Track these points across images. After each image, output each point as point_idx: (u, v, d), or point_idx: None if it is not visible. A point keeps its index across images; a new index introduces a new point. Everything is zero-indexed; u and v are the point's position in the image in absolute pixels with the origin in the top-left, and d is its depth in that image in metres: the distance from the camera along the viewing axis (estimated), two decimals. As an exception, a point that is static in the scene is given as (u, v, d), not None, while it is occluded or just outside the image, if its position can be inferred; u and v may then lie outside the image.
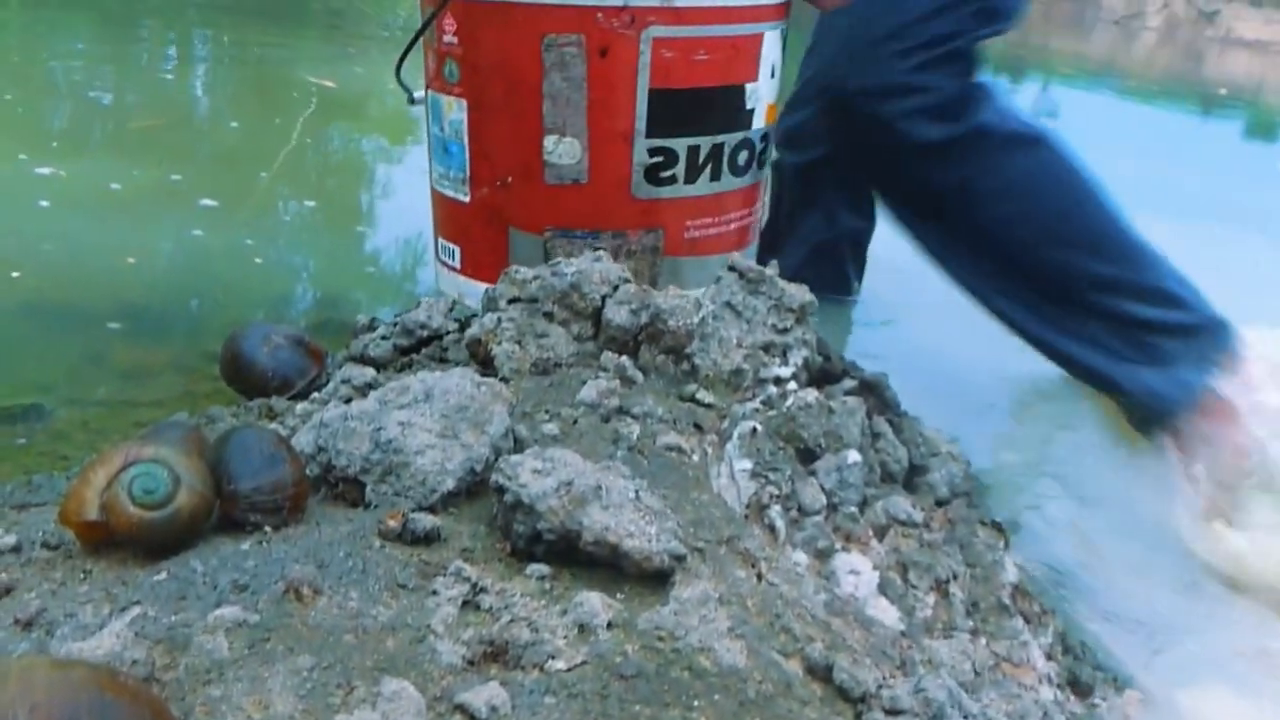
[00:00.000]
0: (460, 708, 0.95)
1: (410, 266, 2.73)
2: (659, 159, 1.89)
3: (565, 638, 1.06)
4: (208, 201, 2.81)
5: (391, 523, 1.16)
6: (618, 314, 1.59)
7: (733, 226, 2.08)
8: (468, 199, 2.01)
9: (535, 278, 1.65)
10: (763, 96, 1.98)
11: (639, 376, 1.54)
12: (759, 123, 2.00)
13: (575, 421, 1.42)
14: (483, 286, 1.99)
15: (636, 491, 1.17)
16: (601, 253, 1.69)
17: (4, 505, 1.37)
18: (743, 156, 2.00)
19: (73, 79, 4.14)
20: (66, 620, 1.01)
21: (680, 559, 1.13)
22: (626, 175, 1.90)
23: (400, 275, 2.70)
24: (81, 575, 1.10)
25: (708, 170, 1.95)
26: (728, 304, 1.61)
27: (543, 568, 1.15)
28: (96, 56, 4.67)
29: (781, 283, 1.65)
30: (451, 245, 2.11)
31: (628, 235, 1.94)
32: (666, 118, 1.87)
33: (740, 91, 1.93)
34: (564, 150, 1.88)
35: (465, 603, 1.08)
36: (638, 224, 1.96)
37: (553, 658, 1.03)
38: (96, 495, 1.11)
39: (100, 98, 3.93)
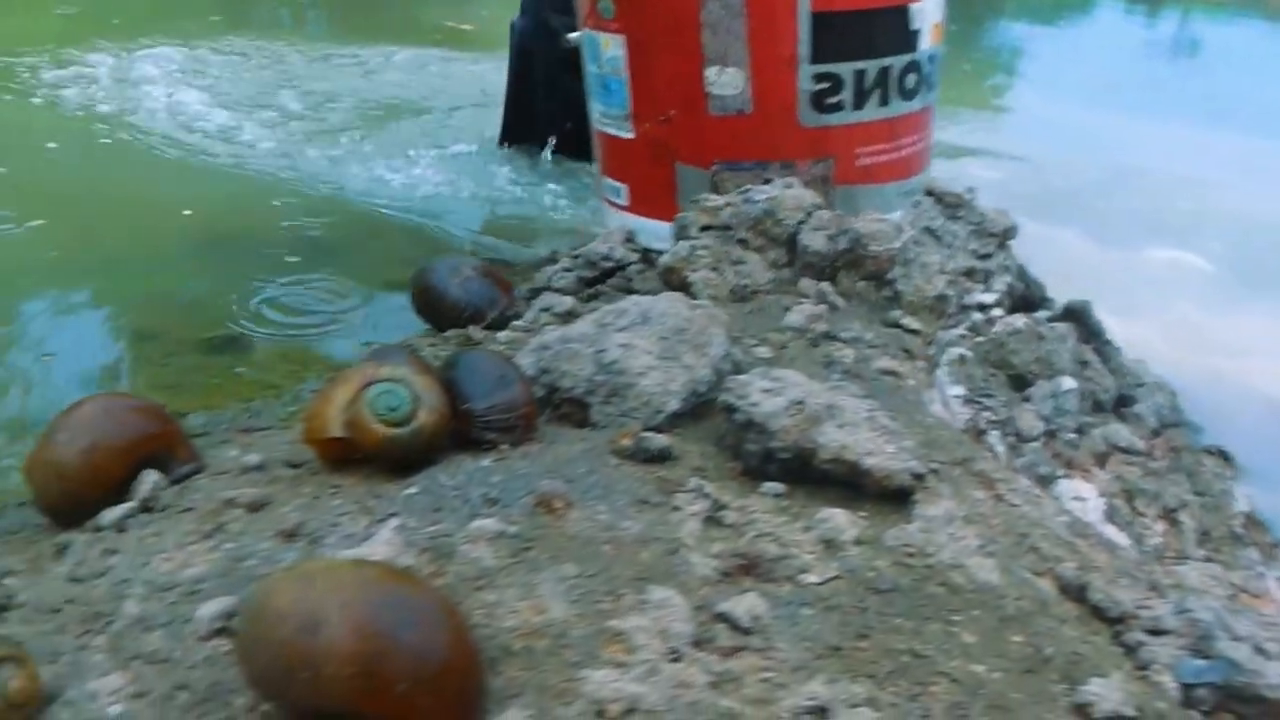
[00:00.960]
0: (722, 616, 0.95)
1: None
2: (825, 85, 1.84)
3: (812, 553, 1.05)
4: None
5: (625, 441, 1.16)
6: (814, 240, 1.57)
7: (904, 152, 2.03)
8: (631, 135, 1.99)
9: (727, 205, 1.64)
10: (929, 15, 1.91)
11: (840, 303, 1.52)
12: (926, 44, 1.93)
13: (784, 346, 1.41)
14: (652, 223, 1.98)
15: (870, 411, 1.15)
16: (792, 179, 1.66)
17: (231, 430, 1.41)
18: (911, 79, 1.94)
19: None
20: (331, 530, 1.03)
21: (920, 477, 1.12)
22: (792, 103, 1.86)
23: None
24: (331, 490, 1.12)
25: (876, 95, 1.90)
26: (928, 229, 1.58)
27: (777, 486, 1.14)
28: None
29: (981, 208, 1.61)
30: (618, 183, 2.10)
31: (797, 165, 1.91)
32: (830, 42, 1.81)
33: (905, 12, 1.87)
34: (726, 80, 1.85)
35: (708, 518, 1.08)
36: (807, 153, 1.92)
37: (804, 572, 1.02)
38: (340, 413, 1.13)
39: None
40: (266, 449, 1.25)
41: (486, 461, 1.13)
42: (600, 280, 1.81)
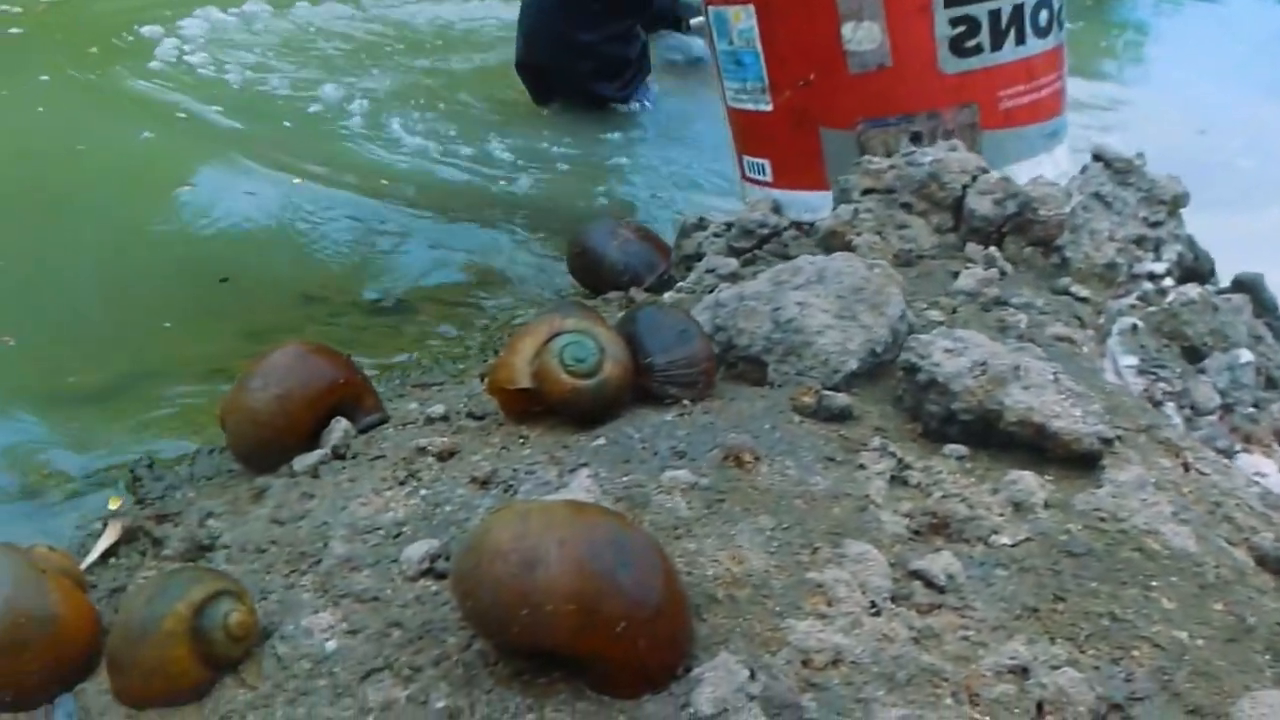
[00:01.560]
0: (917, 574, 0.95)
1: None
2: (961, 29, 1.79)
3: (1001, 514, 1.05)
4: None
5: (806, 399, 1.16)
6: (981, 204, 1.55)
7: (1044, 92, 1.96)
8: (770, 107, 1.97)
9: (891, 168, 1.62)
10: None
11: (1008, 268, 1.50)
12: None
13: (954, 310, 1.40)
14: (800, 195, 1.97)
15: (1055, 374, 1.14)
16: (956, 141, 1.64)
17: (407, 385, 1.44)
18: (1043, 16, 1.89)
19: None
20: (525, 478, 1.06)
21: (1108, 442, 1.10)
22: (931, 51, 1.81)
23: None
24: (519, 440, 1.14)
25: (1012, 34, 1.85)
26: (1096, 195, 1.55)
27: (959, 448, 1.14)
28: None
29: (1151, 174, 1.58)
30: (759, 160, 2.08)
31: (942, 115, 1.87)
32: None
33: None
34: (864, 35, 1.81)
35: (893, 478, 1.08)
36: (950, 101, 1.87)
37: (995, 533, 1.01)
38: (526, 364, 1.15)
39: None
40: (447, 401, 1.28)
41: (669, 416, 1.14)
42: (757, 247, 1.80)
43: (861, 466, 1.08)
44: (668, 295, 1.58)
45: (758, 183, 2.07)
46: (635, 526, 0.87)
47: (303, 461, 1.18)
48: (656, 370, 1.17)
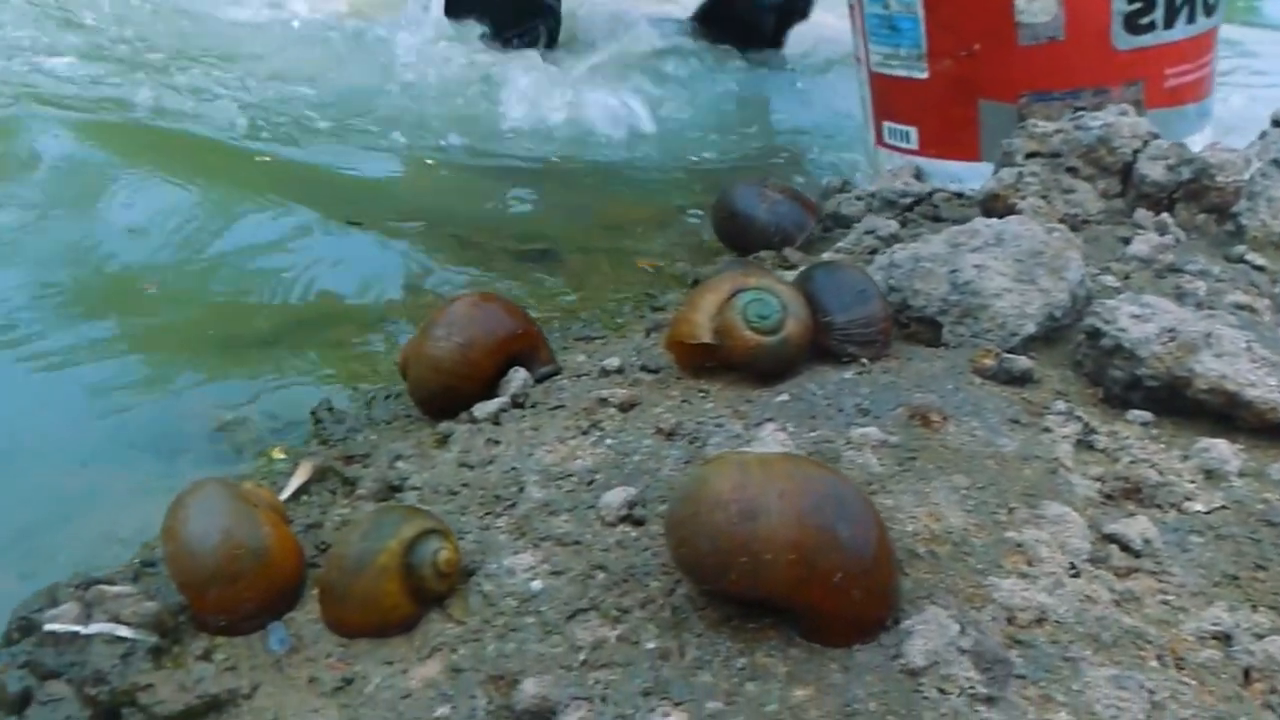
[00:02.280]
0: (1112, 538, 0.95)
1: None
2: (1138, 5, 1.76)
3: (1193, 481, 1.04)
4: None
5: (986, 362, 1.16)
6: (1153, 170, 1.53)
7: (1204, 71, 1.93)
8: (925, 75, 1.94)
9: (1058, 131, 1.60)
10: None
11: (1180, 235, 1.48)
12: None
13: (1128, 276, 1.38)
14: (947, 164, 1.95)
15: (1248, 342, 1.12)
16: (1127, 106, 1.61)
17: (569, 338, 1.47)
18: None
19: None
20: (713, 430, 1.07)
21: (1303, 412, 1.09)
22: (1106, 26, 1.79)
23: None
24: (700, 394, 1.15)
25: (1185, 12, 1.82)
26: (1275, 161, 1.52)
27: (1144, 414, 1.13)
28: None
29: (1332, 140, 1.53)
30: (904, 127, 2.05)
31: (1110, 91, 1.84)
32: None
33: None
34: (1038, 7, 1.78)
35: (1079, 441, 1.08)
36: (1120, 78, 1.84)
37: (1188, 500, 1.01)
38: (708, 320, 1.16)
39: None
40: (619, 354, 1.30)
41: (848, 374, 1.15)
42: (902, 214, 1.79)
43: (1047, 430, 1.08)
44: (825, 256, 1.58)
45: (898, 149, 2.05)
46: (851, 481, 0.88)
47: (484, 409, 1.21)
48: (835, 329, 1.17)
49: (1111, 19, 1.78)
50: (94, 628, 0.95)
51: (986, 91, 1.89)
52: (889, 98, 2.06)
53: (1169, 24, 1.81)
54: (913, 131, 2.02)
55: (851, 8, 2.03)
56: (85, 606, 0.98)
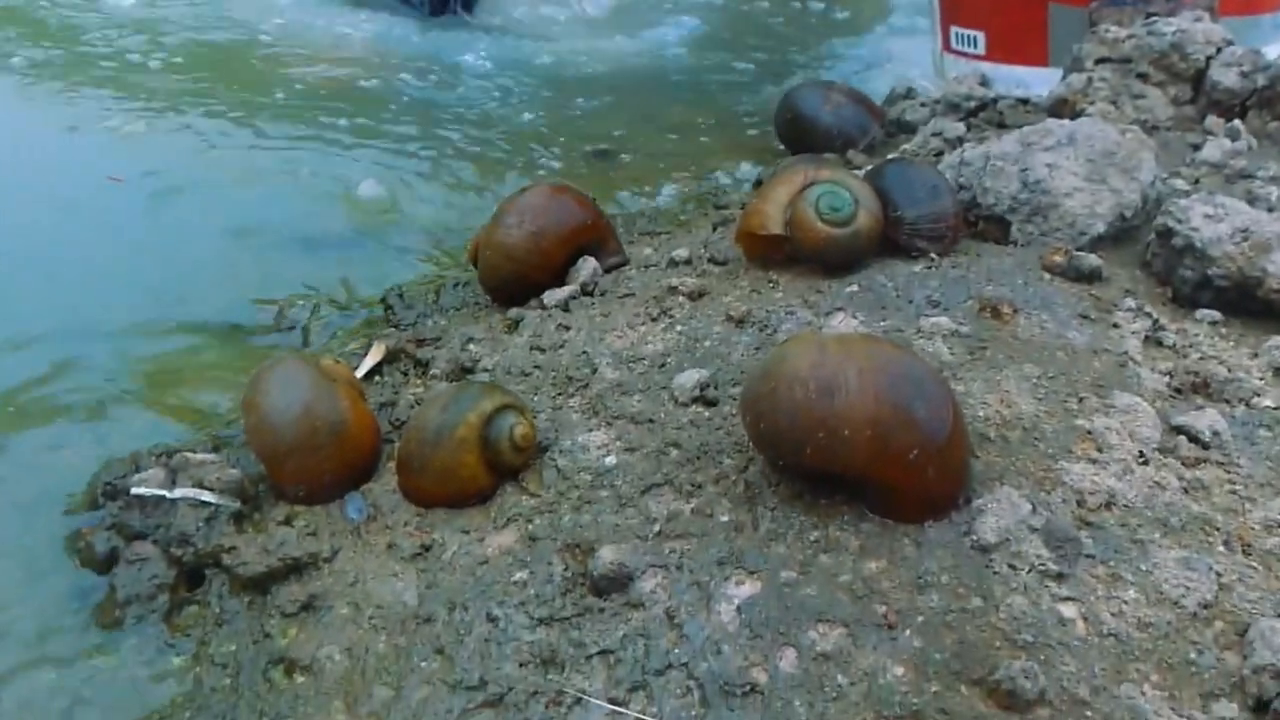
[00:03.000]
0: (1180, 429, 0.96)
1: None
2: None
3: (1261, 378, 1.04)
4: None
5: (1056, 258, 1.16)
6: (1226, 76, 1.51)
7: None
8: None
9: (1130, 37, 1.58)
10: None
11: (1252, 142, 1.46)
12: None
13: (1197, 180, 1.37)
14: (1013, 69, 1.93)
15: (1322, 243, 1.11)
16: (1201, 12, 1.59)
17: (634, 231, 1.48)
18: None
19: None
20: (785, 318, 1.08)
21: (1375, 314, 1.08)
22: None
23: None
24: (769, 283, 1.16)
25: None
26: (1351, 70, 1.49)
27: (1212, 313, 1.13)
28: None
29: None
30: (972, 31, 2.03)
31: None
32: None
33: None
34: None
35: (1147, 337, 1.08)
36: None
37: (1257, 395, 1.01)
38: (780, 212, 1.17)
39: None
40: (686, 246, 1.31)
41: (917, 267, 1.16)
42: (965, 119, 1.78)
43: (1116, 325, 1.08)
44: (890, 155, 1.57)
45: (965, 55, 2.03)
46: (928, 362, 0.89)
47: (553, 296, 1.22)
48: (906, 223, 1.18)
49: None
50: (179, 492, 0.98)
51: (1058, -6, 1.86)
52: (958, 2, 2.03)
53: None
54: (980, 36, 1.99)
55: None
56: (170, 472, 1.01)
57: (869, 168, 1.29)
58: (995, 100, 1.81)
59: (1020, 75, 1.90)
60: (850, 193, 1.15)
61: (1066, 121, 1.30)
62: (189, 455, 1.03)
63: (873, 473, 0.82)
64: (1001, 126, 1.74)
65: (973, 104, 1.81)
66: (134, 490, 0.99)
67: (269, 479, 1.01)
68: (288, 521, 0.96)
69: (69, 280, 1.39)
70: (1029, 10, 1.90)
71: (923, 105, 1.86)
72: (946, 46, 2.08)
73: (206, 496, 0.98)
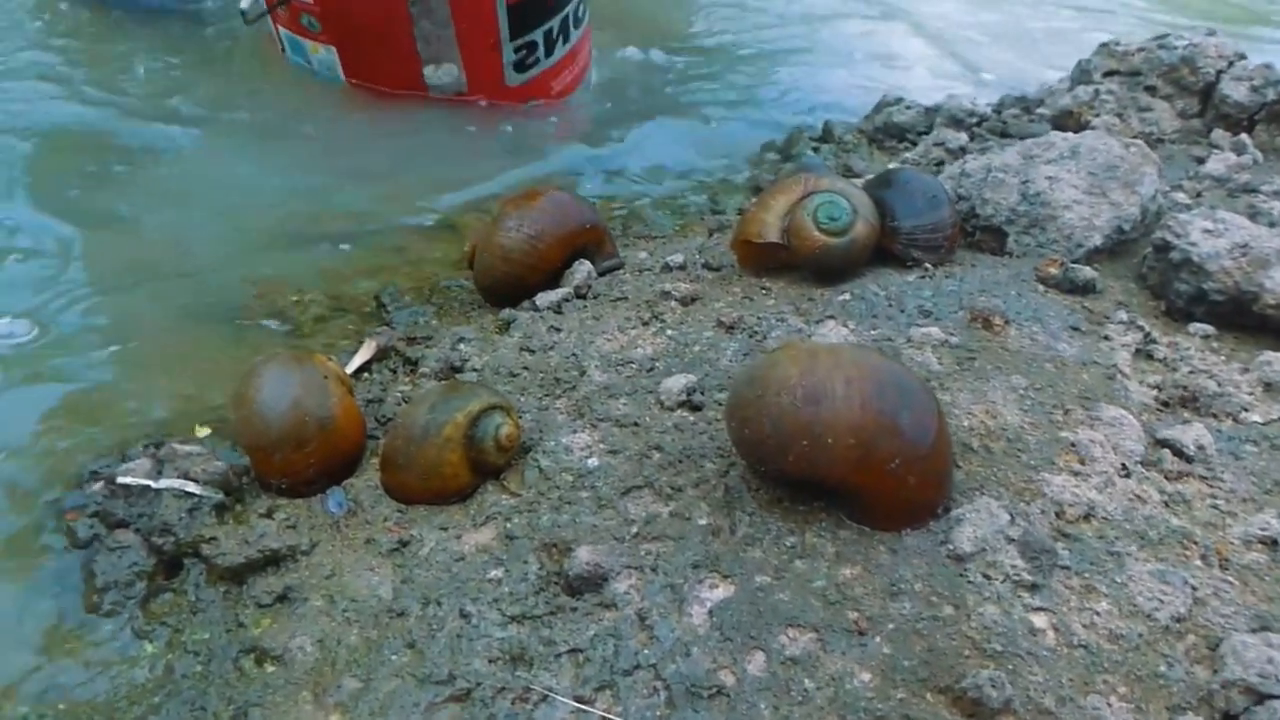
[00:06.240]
0: (1165, 443, 0.95)
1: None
2: (523, 53, 1.86)
3: (1251, 393, 1.03)
4: None
5: (1051, 270, 1.16)
6: (1236, 90, 1.50)
7: (579, 69, 2.04)
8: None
9: (1140, 50, 1.57)
10: None
11: (1258, 156, 1.45)
12: None
13: (1199, 194, 1.36)
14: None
15: (1319, 260, 1.11)
16: (1215, 27, 1.58)
17: (631, 235, 1.48)
18: (580, 8, 1.97)
19: None
20: (775, 325, 1.08)
21: (1371, 332, 1.08)
22: (499, 73, 1.88)
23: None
24: (762, 290, 1.16)
25: (560, 40, 1.93)
26: (1361, 87, 1.48)
27: (1205, 327, 1.12)
28: None
29: None
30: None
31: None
32: (524, 20, 1.83)
33: None
34: (442, 74, 1.84)
35: (1138, 350, 1.07)
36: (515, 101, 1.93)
37: (1245, 410, 1.00)
38: (778, 220, 1.16)
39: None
40: (681, 251, 1.31)
41: (911, 277, 1.15)
42: (969, 130, 1.77)
43: (1107, 338, 1.08)
44: (893, 166, 1.57)
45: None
46: (914, 372, 0.89)
47: (546, 298, 1.22)
48: (903, 233, 1.18)
49: (504, 68, 1.87)
50: (164, 483, 0.99)
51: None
52: None
53: (549, 54, 1.92)
54: None
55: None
56: (157, 463, 1.01)
57: (869, 177, 1.28)
58: (999, 111, 1.81)
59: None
60: (849, 202, 1.14)
61: (1071, 135, 1.30)
62: (176, 446, 1.03)
63: (855, 480, 0.82)
64: (1005, 135, 1.74)
65: (975, 118, 1.81)
66: (120, 479, 0.99)
67: (254, 471, 1.01)
68: (269, 514, 0.96)
69: (60, 262, 1.39)
70: None
71: (908, 108, 1.86)
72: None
73: (191, 488, 0.98)
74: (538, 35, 1.87)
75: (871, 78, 2.28)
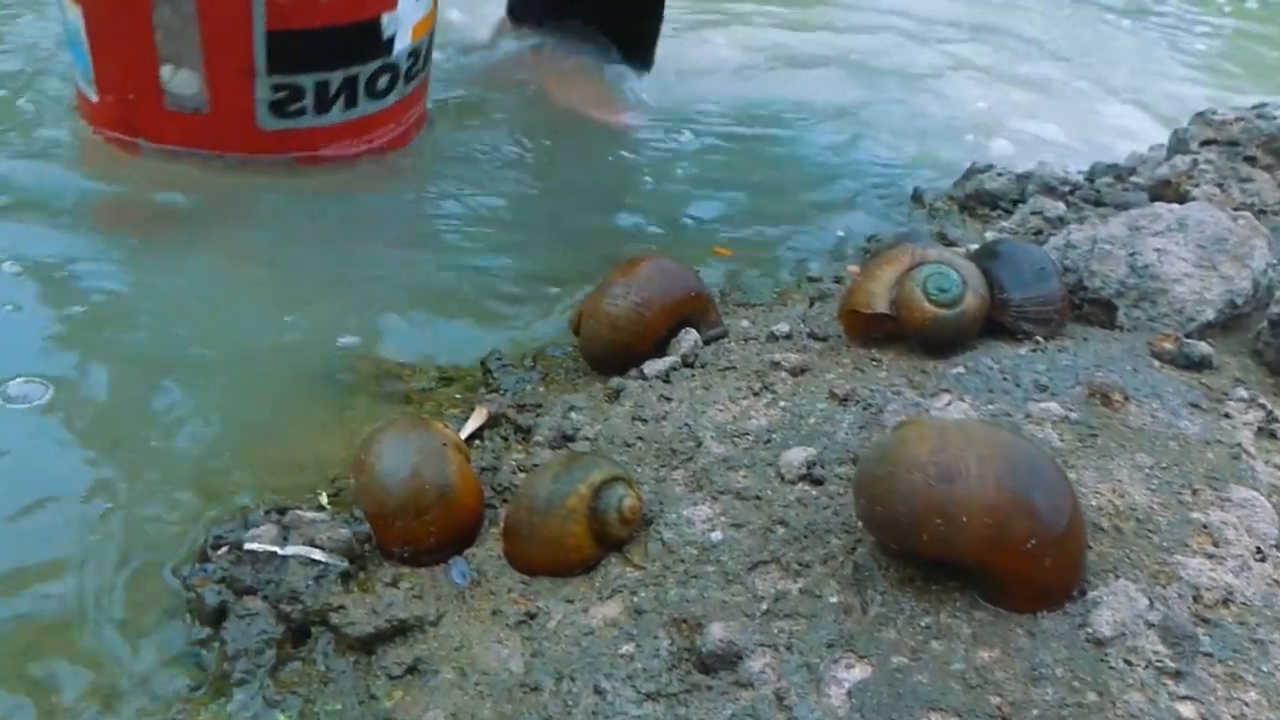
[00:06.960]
0: (1302, 527, 0.94)
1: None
2: (284, 94, 1.73)
3: (1380, 477, 1.02)
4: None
5: (1166, 345, 1.15)
6: (1336, 162, 1.49)
7: (377, 144, 1.90)
8: (96, 100, 1.82)
9: (1239, 119, 1.57)
10: (405, 21, 1.79)
11: (1364, 228, 1.44)
12: (403, 45, 1.81)
13: (1308, 269, 1.35)
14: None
15: None
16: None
17: (730, 303, 1.49)
18: (383, 81, 1.83)
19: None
20: (891, 398, 1.08)
21: None
22: (250, 108, 1.74)
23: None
24: (873, 361, 1.17)
25: (341, 100, 1.79)
26: None
27: (1326, 406, 1.11)
28: None
29: None
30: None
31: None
32: (288, 57, 1.70)
33: (376, 24, 1.75)
34: (182, 80, 1.70)
35: (1260, 429, 1.06)
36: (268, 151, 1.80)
37: (1375, 494, 0.99)
38: (886, 290, 1.17)
39: None
40: (786, 320, 1.31)
41: (1023, 350, 1.15)
42: (1064, 199, 1.77)
43: (1228, 415, 1.07)
44: (989, 234, 1.57)
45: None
46: (1044, 450, 0.88)
47: (654, 366, 1.23)
48: (1013, 305, 1.18)
49: (256, 104, 1.73)
50: (290, 549, 1.00)
51: (147, 135, 1.78)
52: (81, 105, 1.89)
53: (321, 111, 1.78)
54: None
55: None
56: (281, 529, 1.03)
57: (975, 248, 1.29)
58: (1092, 180, 1.81)
59: None
60: (958, 273, 1.15)
61: (1176, 206, 1.30)
62: (300, 513, 1.04)
63: (990, 561, 0.81)
64: (1099, 204, 1.74)
65: (1068, 187, 1.81)
66: (247, 545, 1.01)
67: (375, 539, 1.02)
68: (394, 583, 0.97)
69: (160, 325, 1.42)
70: (123, 138, 1.81)
71: (1000, 175, 1.86)
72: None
73: (317, 555, 1.00)
74: (305, 82, 1.71)
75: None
